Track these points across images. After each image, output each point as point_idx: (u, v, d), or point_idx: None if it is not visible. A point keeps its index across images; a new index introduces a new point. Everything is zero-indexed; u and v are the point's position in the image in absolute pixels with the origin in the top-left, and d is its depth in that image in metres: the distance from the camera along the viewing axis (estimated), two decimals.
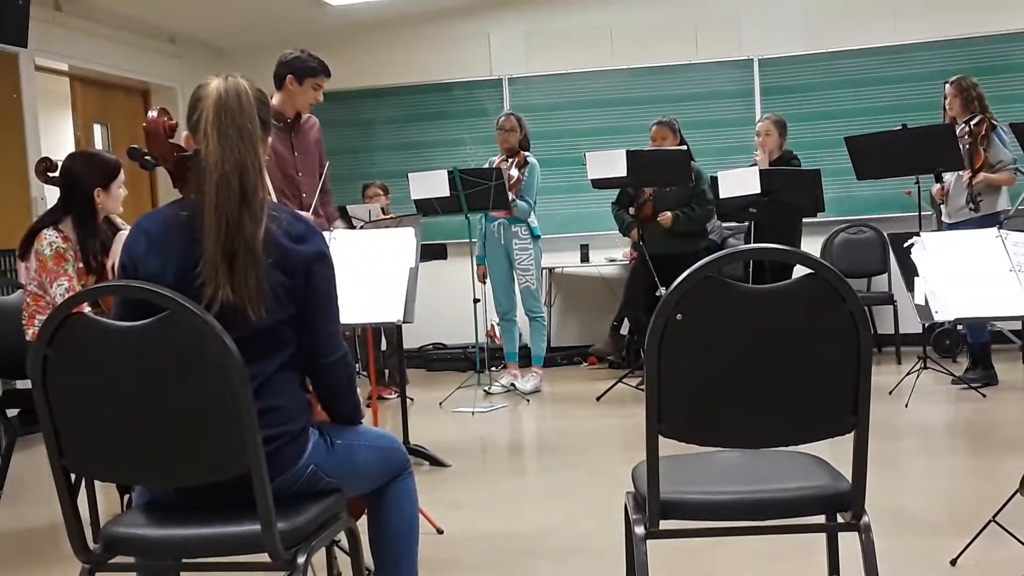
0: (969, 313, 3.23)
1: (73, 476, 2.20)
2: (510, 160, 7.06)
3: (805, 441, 2.26)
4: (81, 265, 4.01)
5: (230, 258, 2.14)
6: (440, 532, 3.90)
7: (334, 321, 2.34)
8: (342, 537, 2.53)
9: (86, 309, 2.23)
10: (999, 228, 3.35)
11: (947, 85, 6.38)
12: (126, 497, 3.66)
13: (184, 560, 2.29)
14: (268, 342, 2.23)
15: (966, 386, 6.25)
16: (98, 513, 2.27)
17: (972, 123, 6.19)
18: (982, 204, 6.10)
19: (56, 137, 8.17)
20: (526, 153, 7.07)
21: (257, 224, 2.17)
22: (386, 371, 7.38)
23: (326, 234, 2.60)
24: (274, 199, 2.44)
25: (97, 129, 8.01)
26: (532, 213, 7.09)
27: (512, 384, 7.15)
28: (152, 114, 2.49)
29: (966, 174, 6.16)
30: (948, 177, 6.33)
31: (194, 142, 2.25)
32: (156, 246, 2.23)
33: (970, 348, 6.52)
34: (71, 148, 7.31)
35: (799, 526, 2.35)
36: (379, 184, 8.01)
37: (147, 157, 2.60)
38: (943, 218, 6.45)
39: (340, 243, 3.70)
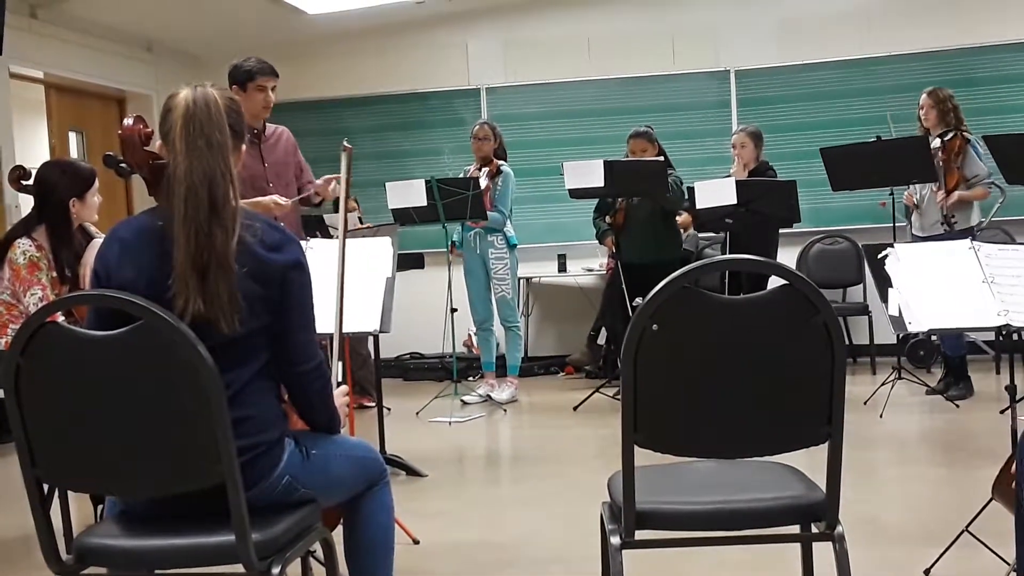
0: (942, 324, 3.26)
1: (46, 486, 2.19)
2: (483, 169, 7.06)
3: (780, 451, 2.27)
4: (55, 274, 3.98)
5: (201, 270, 2.13)
6: (416, 542, 3.89)
7: (309, 330, 2.33)
8: (317, 548, 2.52)
9: (60, 319, 2.22)
10: (972, 240, 3.38)
11: (923, 95, 6.42)
12: (99, 508, 3.63)
13: (157, 571, 2.27)
14: (242, 351, 2.22)
15: (942, 396, 6.28)
16: (71, 523, 2.24)
17: (945, 139, 6.22)
18: (955, 223, 6.14)
19: (30, 145, 8.12)
20: (500, 162, 7.07)
21: (228, 234, 2.16)
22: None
23: (303, 243, 2.59)
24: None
25: (72, 137, 7.96)
26: (508, 222, 7.09)
27: (488, 394, 7.15)
28: (128, 121, 2.47)
29: (939, 192, 6.19)
30: (921, 189, 6.36)
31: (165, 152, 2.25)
32: (130, 255, 2.22)
33: (946, 361, 6.55)
34: (45, 156, 7.27)
35: (773, 536, 2.36)
36: (352, 198, 7.96)
37: (122, 164, 2.59)
38: (914, 231, 6.47)
39: (317, 252, 3.69)
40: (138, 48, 8.39)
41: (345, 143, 3.37)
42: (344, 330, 3.14)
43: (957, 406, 6.09)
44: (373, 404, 7.05)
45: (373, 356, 6.07)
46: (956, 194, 6.14)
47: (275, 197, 4.62)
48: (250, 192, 4.65)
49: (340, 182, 3.41)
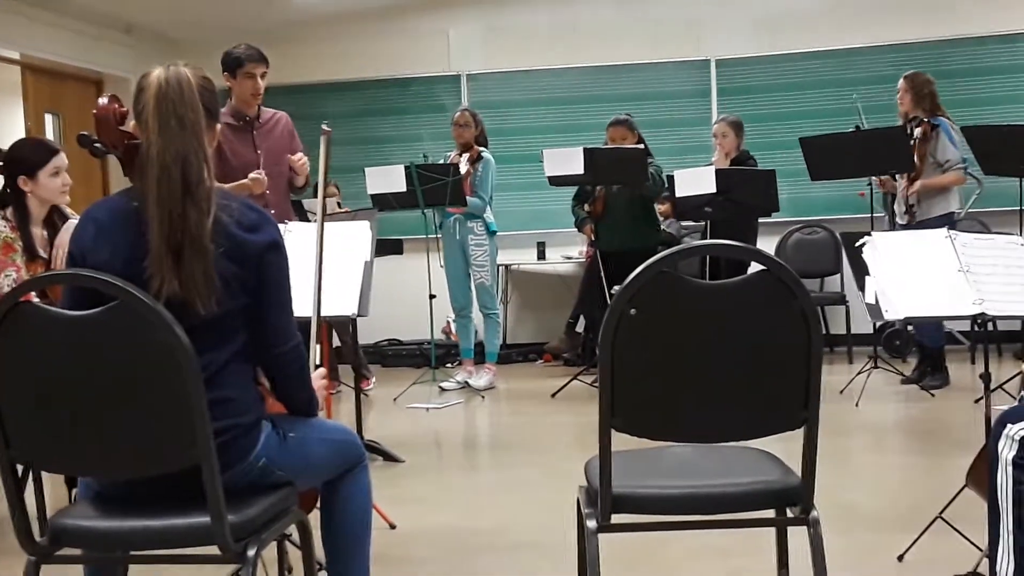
0: (918, 312, 3.27)
1: (20, 467, 2.17)
2: (464, 155, 7.05)
3: (756, 436, 2.28)
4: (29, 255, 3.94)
5: (176, 250, 2.12)
6: (393, 527, 3.89)
7: (287, 311, 2.32)
8: (293, 531, 2.52)
9: (34, 298, 2.20)
10: (949, 228, 3.40)
11: (901, 79, 6.46)
12: (73, 491, 3.61)
13: (132, 552, 2.26)
14: (219, 332, 2.21)
15: (917, 386, 6.32)
16: (45, 505, 2.23)
17: (913, 124, 6.25)
18: (935, 206, 6.17)
19: (6, 127, 8.05)
20: (480, 148, 7.06)
21: (202, 214, 2.15)
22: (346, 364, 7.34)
23: (280, 226, 2.58)
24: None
25: (48, 119, 7.89)
26: (488, 209, 7.08)
27: (466, 381, 7.15)
28: (102, 101, 2.45)
29: (903, 180, 6.23)
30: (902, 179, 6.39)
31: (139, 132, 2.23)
32: (104, 236, 2.21)
33: (923, 350, 6.59)
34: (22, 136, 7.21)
35: (749, 520, 2.37)
36: (333, 183, 7.93)
37: (96, 144, 2.56)
38: (897, 219, 6.48)
39: (295, 236, 3.67)
40: (116, 31, 8.32)
41: (324, 126, 3.35)
42: (322, 314, 3.13)
43: (933, 395, 6.13)
44: (371, 387, 7.13)
45: (352, 341, 6.09)
46: (919, 183, 6.17)
47: (253, 174, 4.61)
48: (241, 178, 4.64)
49: (320, 165, 3.39)
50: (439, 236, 7.14)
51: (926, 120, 6.25)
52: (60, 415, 2.09)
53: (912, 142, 6.18)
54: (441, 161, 7.06)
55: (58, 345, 2.07)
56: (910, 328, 7.00)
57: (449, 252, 7.15)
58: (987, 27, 7.92)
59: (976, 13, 7.93)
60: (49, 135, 7.79)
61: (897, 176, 6.39)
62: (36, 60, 7.61)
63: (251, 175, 4.62)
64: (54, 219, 4.03)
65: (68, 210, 4.11)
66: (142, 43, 8.51)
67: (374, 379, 7.49)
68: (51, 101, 7.91)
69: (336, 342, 7.46)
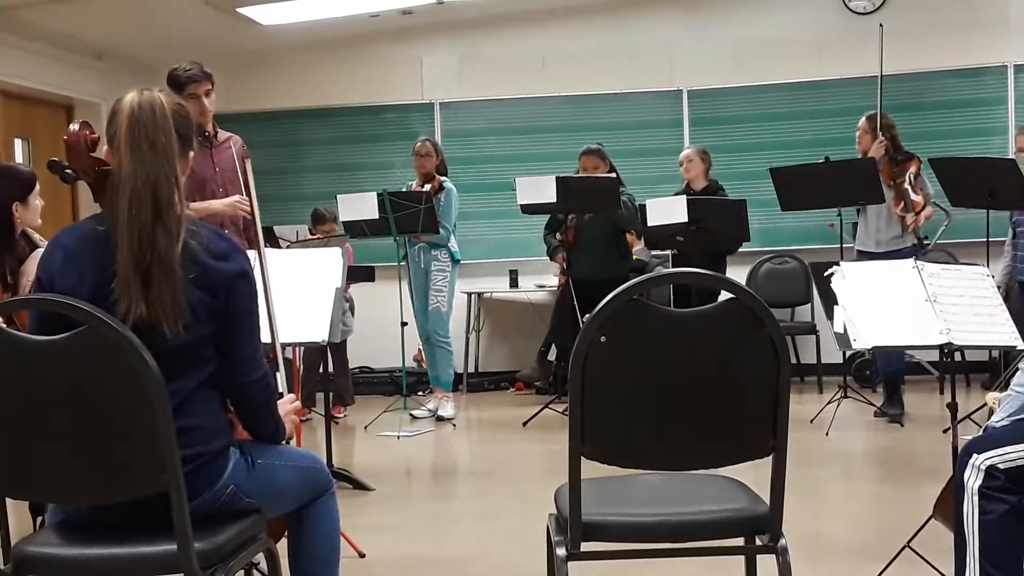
0: (885, 341, 3.31)
1: None
2: (426, 185, 7.02)
3: (725, 464, 2.29)
4: None
5: (143, 273, 2.12)
6: (362, 556, 3.86)
7: (255, 340, 2.32)
8: (261, 559, 2.50)
9: (1, 324, 2.18)
10: (915, 259, 3.43)
11: (862, 119, 6.55)
12: (39, 518, 3.57)
13: None
14: (187, 360, 2.20)
15: (884, 418, 6.36)
16: (8, 532, 2.20)
17: (900, 160, 6.33)
18: (905, 238, 6.26)
19: None
20: (442, 178, 7.05)
21: (172, 239, 2.14)
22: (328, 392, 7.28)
23: (251, 253, 2.57)
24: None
25: (18, 144, 7.85)
26: (452, 238, 7.07)
27: (437, 410, 7.08)
28: (73, 127, 2.44)
29: (898, 208, 6.28)
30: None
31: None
32: (72, 261, 2.20)
33: (883, 379, 6.62)
34: None
35: (718, 548, 2.38)
36: (331, 216, 7.77)
37: (67, 170, 2.55)
38: (871, 247, 6.48)
39: (266, 262, 3.66)
40: (88, 56, 8.29)
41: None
42: (294, 340, 3.13)
43: (902, 425, 6.17)
44: (343, 414, 7.09)
45: (322, 368, 6.05)
46: (922, 215, 6.25)
47: (236, 197, 4.59)
48: (201, 195, 4.62)
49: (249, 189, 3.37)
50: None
51: (913, 154, 6.35)
52: (26, 440, 2.08)
53: (905, 177, 6.26)
54: (403, 189, 7.02)
55: (25, 369, 2.06)
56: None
57: (415, 280, 7.13)
58: (955, 61, 8.04)
59: (944, 47, 8.05)
60: (19, 160, 7.74)
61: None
62: (6, 84, 7.57)
63: (234, 198, 4.61)
64: (20, 244, 4.00)
65: (36, 236, 4.08)
66: (113, 68, 8.48)
67: (344, 414, 7.41)
68: (21, 126, 7.86)
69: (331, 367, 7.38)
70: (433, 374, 7.24)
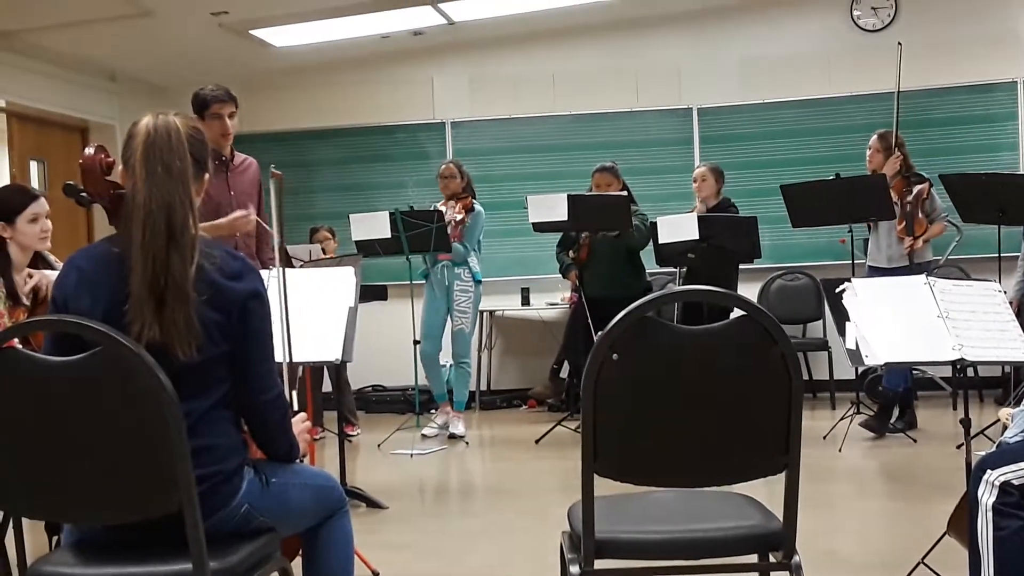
0: (898, 358, 3.30)
1: (0, 513, 2.16)
2: (456, 203, 7.04)
3: (738, 481, 2.29)
4: (12, 301, 3.93)
5: (157, 296, 2.13)
6: (376, 574, 3.86)
7: (268, 360, 2.33)
8: None
9: (17, 344, 2.20)
10: (927, 275, 3.43)
11: (874, 137, 6.55)
12: (54, 538, 3.58)
13: None
14: (201, 379, 2.21)
15: (897, 432, 6.34)
16: (25, 552, 2.21)
17: (913, 182, 6.33)
18: (916, 255, 6.26)
19: None
20: (473, 201, 7.08)
21: (186, 262, 2.16)
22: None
23: (264, 272, 2.59)
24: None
25: (33, 166, 7.91)
26: (474, 258, 7.08)
27: (447, 426, 7.07)
28: (89, 151, 2.46)
29: (900, 230, 6.28)
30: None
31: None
32: (87, 283, 2.21)
33: (895, 398, 6.58)
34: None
35: (732, 565, 2.37)
36: (327, 228, 7.94)
37: (83, 194, 2.57)
38: (882, 263, 6.48)
39: (280, 281, 3.68)
40: (102, 78, 8.37)
41: (273, 169, 3.35)
42: (307, 359, 3.14)
43: (914, 441, 6.15)
44: (356, 433, 7.10)
45: (332, 388, 6.06)
46: (921, 240, 6.25)
47: (239, 213, 4.61)
48: (215, 219, 4.64)
49: (272, 210, 3.38)
50: (424, 282, 7.13)
51: (925, 177, 6.35)
52: (42, 460, 2.09)
53: (912, 199, 6.26)
54: (431, 208, 7.05)
55: (40, 390, 2.07)
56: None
57: (431, 298, 7.13)
58: (965, 77, 8.04)
59: (954, 64, 8.06)
60: (34, 182, 7.80)
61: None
62: (21, 107, 7.64)
63: (236, 214, 4.63)
64: (39, 266, 4.02)
65: (52, 257, 4.11)
66: (127, 90, 8.55)
67: (357, 431, 7.42)
68: (36, 148, 7.93)
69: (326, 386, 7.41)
70: (438, 391, 7.21)
